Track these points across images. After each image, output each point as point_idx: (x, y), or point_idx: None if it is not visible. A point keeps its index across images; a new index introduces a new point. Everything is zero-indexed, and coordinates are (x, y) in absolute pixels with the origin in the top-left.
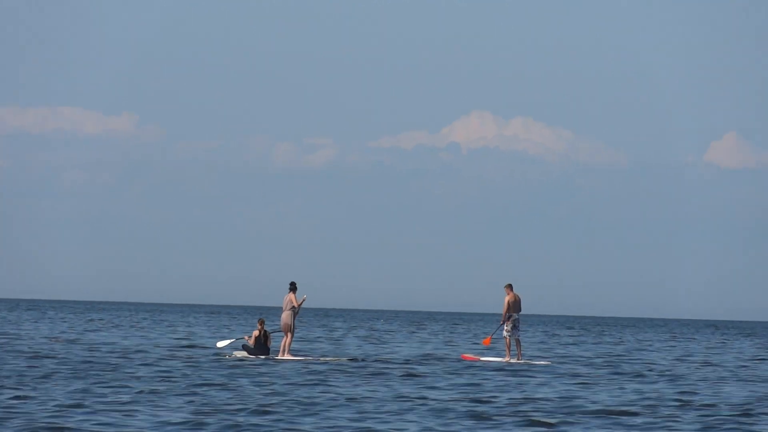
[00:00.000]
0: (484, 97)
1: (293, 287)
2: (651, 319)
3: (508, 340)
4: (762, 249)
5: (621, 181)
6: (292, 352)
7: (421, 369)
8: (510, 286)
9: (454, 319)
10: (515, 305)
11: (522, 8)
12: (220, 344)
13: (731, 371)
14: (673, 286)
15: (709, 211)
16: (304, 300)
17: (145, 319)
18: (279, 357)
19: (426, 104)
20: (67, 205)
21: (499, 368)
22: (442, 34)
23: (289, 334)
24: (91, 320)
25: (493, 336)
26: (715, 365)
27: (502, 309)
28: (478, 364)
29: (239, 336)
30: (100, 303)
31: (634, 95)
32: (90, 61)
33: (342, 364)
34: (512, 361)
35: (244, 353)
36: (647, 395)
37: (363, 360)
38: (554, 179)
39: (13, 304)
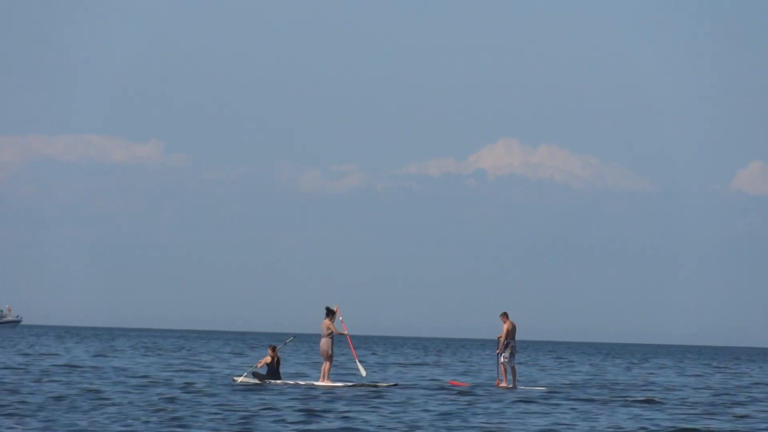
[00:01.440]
0: (511, 124)
1: (329, 312)
2: (684, 346)
3: (504, 367)
4: None
5: (648, 208)
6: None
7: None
8: (506, 314)
9: (477, 346)
10: (512, 333)
11: (549, 38)
12: (239, 379)
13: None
14: (699, 311)
15: (737, 237)
16: (339, 320)
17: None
18: (319, 383)
19: (453, 132)
20: (95, 232)
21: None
22: (469, 63)
23: (328, 361)
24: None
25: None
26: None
27: (498, 336)
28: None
29: (253, 365)
30: (129, 330)
31: (661, 123)
32: (117, 89)
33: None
34: (503, 386)
35: (255, 380)
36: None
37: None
38: (580, 206)
39: (56, 331)
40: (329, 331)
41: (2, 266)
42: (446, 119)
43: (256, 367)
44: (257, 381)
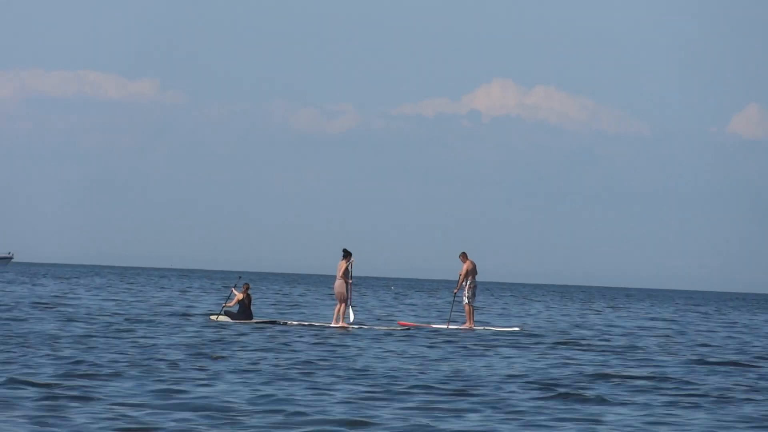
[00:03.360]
0: (506, 65)
1: (346, 254)
2: (670, 291)
3: (468, 308)
4: None
5: (643, 151)
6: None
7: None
8: (465, 254)
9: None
10: (473, 272)
11: None
12: (215, 317)
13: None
14: (693, 255)
15: (732, 180)
16: (351, 264)
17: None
18: (332, 325)
19: (447, 71)
20: (88, 168)
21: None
22: (464, 1)
23: (343, 303)
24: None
25: (453, 303)
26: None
27: (458, 276)
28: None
29: (224, 304)
30: (116, 267)
31: (657, 65)
32: (113, 26)
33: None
34: (467, 326)
35: (226, 318)
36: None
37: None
38: (575, 148)
39: (45, 269)
40: (344, 272)
41: None
42: (441, 58)
43: (228, 305)
44: (228, 318)
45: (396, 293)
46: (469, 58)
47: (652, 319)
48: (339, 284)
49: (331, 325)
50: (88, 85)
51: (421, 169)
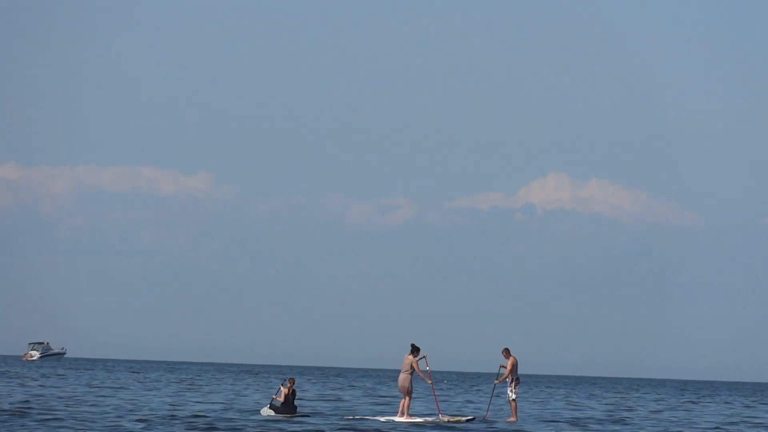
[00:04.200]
0: (560, 159)
1: (414, 349)
2: (741, 383)
3: (514, 404)
4: None
5: (698, 243)
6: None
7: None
8: (508, 350)
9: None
10: (516, 367)
11: (598, 72)
12: (264, 411)
13: None
14: (757, 348)
15: None
16: (425, 360)
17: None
18: (398, 419)
19: (503, 166)
20: (144, 263)
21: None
22: (518, 97)
23: (408, 397)
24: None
25: (491, 400)
26: None
27: (503, 372)
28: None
29: (272, 396)
30: (177, 363)
31: (709, 158)
32: (167, 121)
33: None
34: (511, 420)
35: (270, 412)
36: None
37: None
38: (630, 241)
39: (105, 365)
40: (411, 368)
41: (50, 297)
42: (496, 152)
43: (275, 398)
44: (273, 413)
45: (449, 386)
46: (524, 153)
47: None
48: (403, 378)
49: (397, 419)
50: (143, 179)
51: (476, 263)
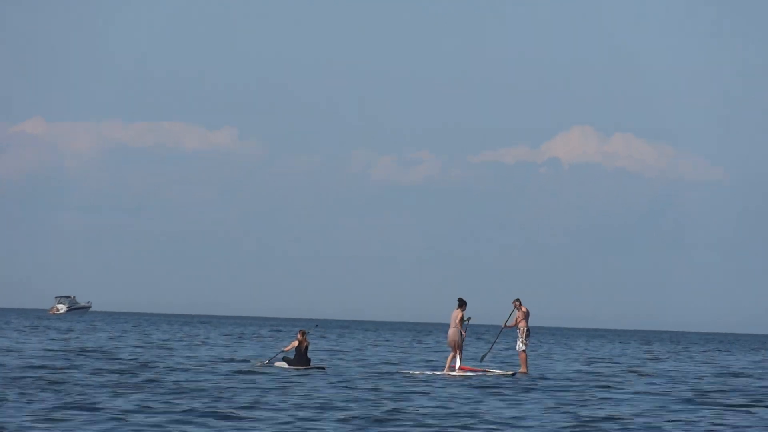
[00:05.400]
0: (585, 112)
1: (461, 304)
2: (754, 335)
3: (524, 355)
4: None
5: (723, 198)
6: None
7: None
8: (520, 300)
9: (545, 333)
10: (528, 319)
11: (623, 25)
12: (262, 362)
13: None
14: None
15: None
16: (468, 321)
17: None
18: (444, 373)
19: (527, 119)
20: (168, 219)
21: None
22: (543, 50)
23: (457, 351)
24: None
25: (493, 349)
26: None
27: (509, 322)
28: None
29: (281, 349)
30: (200, 316)
31: (737, 112)
32: (193, 76)
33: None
34: (522, 371)
35: (284, 364)
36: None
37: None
38: (654, 196)
39: (132, 318)
40: (460, 323)
41: (74, 254)
42: (520, 105)
43: (284, 350)
44: (286, 365)
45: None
46: (547, 106)
47: None
48: (453, 332)
49: (443, 373)
50: (166, 135)
51: (500, 217)
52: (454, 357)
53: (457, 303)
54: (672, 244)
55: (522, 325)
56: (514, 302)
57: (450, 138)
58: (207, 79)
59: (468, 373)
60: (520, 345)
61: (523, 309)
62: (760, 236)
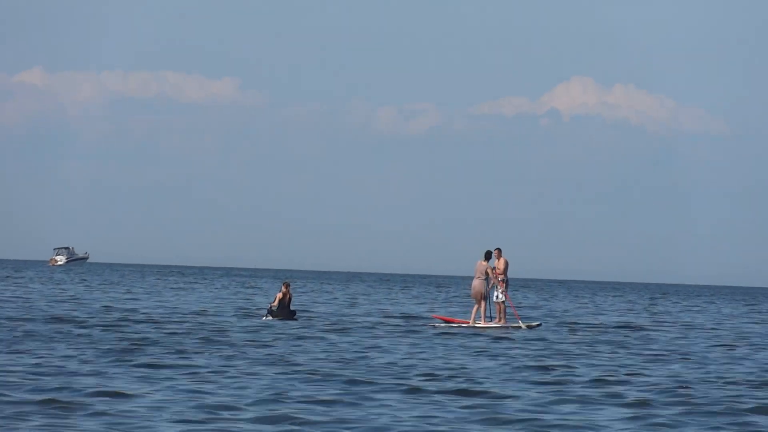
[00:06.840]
0: (585, 63)
1: (488, 255)
2: (755, 288)
3: (502, 306)
4: None
5: (723, 150)
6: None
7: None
8: (500, 250)
9: (540, 286)
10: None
11: None
12: (265, 318)
13: None
14: None
15: None
16: (493, 274)
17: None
18: (469, 324)
19: (525, 69)
20: (169, 169)
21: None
22: (544, 0)
23: (482, 302)
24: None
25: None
26: None
27: (495, 273)
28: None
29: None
30: (197, 268)
31: (738, 63)
32: (192, 26)
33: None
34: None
35: (269, 317)
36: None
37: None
38: (655, 147)
39: (133, 269)
40: (485, 274)
41: (74, 203)
42: (520, 56)
43: (272, 305)
44: (270, 317)
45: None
46: (546, 56)
47: None
48: (477, 284)
49: (468, 324)
50: (168, 85)
51: (500, 168)
52: (479, 309)
53: (483, 255)
54: (673, 195)
55: (501, 276)
56: (494, 251)
57: (449, 88)
58: (208, 30)
59: (493, 325)
60: (499, 295)
61: (503, 259)
62: (762, 188)
